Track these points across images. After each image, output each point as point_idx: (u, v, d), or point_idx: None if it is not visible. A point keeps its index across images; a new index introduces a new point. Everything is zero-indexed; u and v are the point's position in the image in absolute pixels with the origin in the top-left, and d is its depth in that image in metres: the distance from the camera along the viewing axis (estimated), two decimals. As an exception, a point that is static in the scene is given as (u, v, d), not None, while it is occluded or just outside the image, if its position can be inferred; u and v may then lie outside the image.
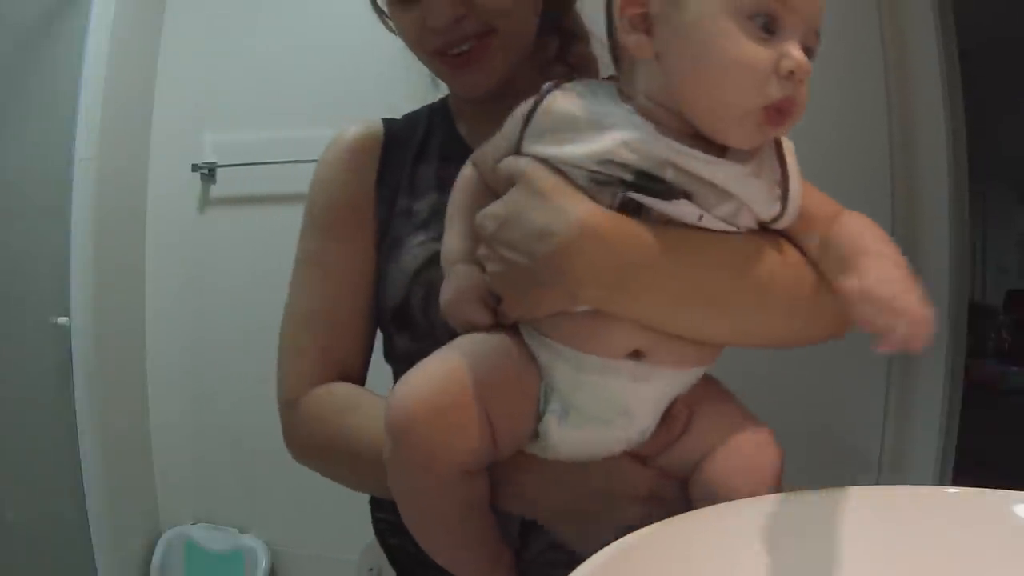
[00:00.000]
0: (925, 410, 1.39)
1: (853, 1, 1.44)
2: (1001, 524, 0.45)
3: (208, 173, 1.89)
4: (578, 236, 0.48)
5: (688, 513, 0.46)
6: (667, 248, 0.48)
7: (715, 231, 0.49)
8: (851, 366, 1.35)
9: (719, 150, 0.50)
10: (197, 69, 1.92)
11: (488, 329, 0.54)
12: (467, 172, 0.60)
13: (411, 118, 0.80)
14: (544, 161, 0.51)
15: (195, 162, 1.88)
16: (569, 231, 0.48)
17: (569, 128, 0.51)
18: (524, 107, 0.54)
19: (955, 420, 1.41)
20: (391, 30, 0.73)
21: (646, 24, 0.51)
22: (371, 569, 0.79)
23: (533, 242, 0.49)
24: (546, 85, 0.54)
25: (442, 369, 0.51)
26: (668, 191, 0.48)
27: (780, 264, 0.51)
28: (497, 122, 0.74)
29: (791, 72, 0.46)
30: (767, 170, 0.51)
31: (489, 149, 0.58)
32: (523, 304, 0.52)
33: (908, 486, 0.49)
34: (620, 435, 0.53)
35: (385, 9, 0.71)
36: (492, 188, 0.57)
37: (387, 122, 0.78)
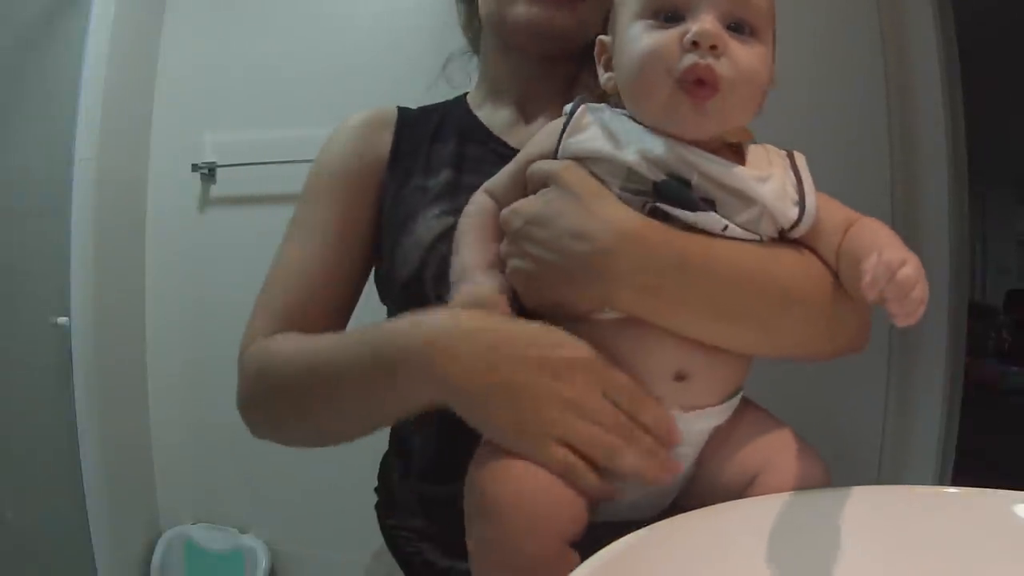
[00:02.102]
0: (925, 410, 1.38)
1: (853, 1, 1.44)
2: (1001, 524, 0.45)
3: (208, 173, 1.89)
4: (616, 239, 0.48)
5: (688, 513, 0.47)
6: (698, 253, 0.49)
7: (739, 239, 0.50)
8: (851, 366, 1.34)
9: (736, 161, 0.51)
10: (197, 69, 1.92)
11: None
12: (480, 198, 0.60)
13: (426, 109, 0.80)
14: (581, 163, 0.52)
15: (195, 162, 1.88)
16: (607, 234, 0.48)
17: (602, 136, 0.52)
18: (556, 122, 0.55)
19: (955, 420, 1.41)
20: None
21: (611, 65, 0.55)
22: None
23: (568, 242, 0.50)
24: (573, 103, 0.55)
25: None
26: (693, 202, 0.49)
27: (803, 272, 0.52)
28: (520, 111, 0.76)
29: (694, 43, 0.48)
30: (783, 177, 0.52)
31: (506, 173, 0.59)
32: (547, 300, 0.52)
33: (908, 486, 0.49)
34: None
35: None
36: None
37: (401, 108, 0.79)
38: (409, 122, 0.76)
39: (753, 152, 0.53)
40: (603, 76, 0.57)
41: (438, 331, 0.51)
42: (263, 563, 1.81)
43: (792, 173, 0.53)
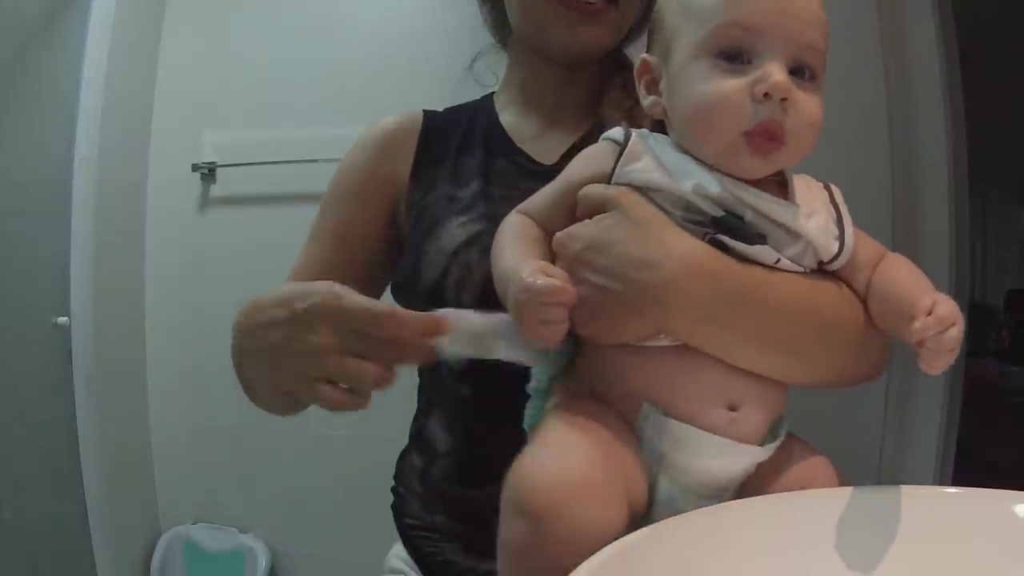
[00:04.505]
0: (925, 410, 1.38)
1: (853, 1, 1.44)
2: (1001, 524, 0.45)
3: (208, 173, 1.89)
4: (682, 269, 0.48)
5: (688, 513, 0.46)
6: (755, 285, 0.50)
7: (788, 271, 0.51)
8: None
9: (782, 196, 0.52)
10: (197, 69, 1.92)
11: (575, 401, 0.52)
12: (515, 218, 0.58)
13: (453, 110, 0.80)
14: (639, 191, 0.52)
15: (195, 162, 1.88)
16: (673, 263, 0.48)
17: (657, 167, 0.52)
18: (602, 147, 0.55)
19: (955, 420, 1.41)
20: None
21: (656, 88, 0.55)
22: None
23: (631, 270, 0.49)
24: (623, 130, 0.55)
25: (573, 442, 0.47)
26: (748, 235, 0.50)
27: (840, 302, 0.53)
28: (545, 119, 0.76)
29: (766, 94, 0.48)
30: (825, 212, 0.53)
31: (548, 195, 0.57)
32: (603, 327, 0.51)
33: (908, 486, 0.49)
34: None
35: None
36: (545, 229, 0.56)
37: (428, 113, 0.79)
38: (435, 129, 0.76)
39: (796, 185, 0.54)
40: (646, 99, 0.56)
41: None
42: (263, 563, 1.81)
43: (833, 208, 0.54)
